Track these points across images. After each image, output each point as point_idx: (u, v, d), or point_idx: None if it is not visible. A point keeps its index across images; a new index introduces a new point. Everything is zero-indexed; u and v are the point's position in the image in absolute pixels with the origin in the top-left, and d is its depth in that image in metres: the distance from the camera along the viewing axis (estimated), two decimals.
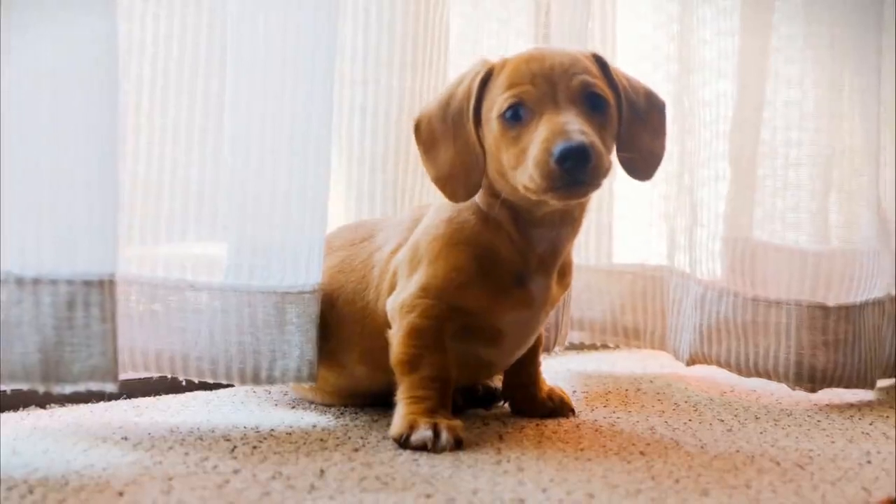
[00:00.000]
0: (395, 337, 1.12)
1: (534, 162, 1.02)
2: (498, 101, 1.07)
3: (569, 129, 1.01)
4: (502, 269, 1.11)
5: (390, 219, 1.28)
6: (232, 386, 1.30)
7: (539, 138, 1.02)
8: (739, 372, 1.44)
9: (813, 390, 1.40)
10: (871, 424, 1.25)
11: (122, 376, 1.26)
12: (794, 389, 1.42)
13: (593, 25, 1.57)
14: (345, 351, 1.19)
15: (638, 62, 1.63)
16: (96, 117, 1.00)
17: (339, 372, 1.20)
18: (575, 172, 1.00)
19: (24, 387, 0.99)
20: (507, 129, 1.06)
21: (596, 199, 1.60)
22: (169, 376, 1.17)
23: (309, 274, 1.16)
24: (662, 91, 1.56)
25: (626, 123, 1.11)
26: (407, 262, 1.14)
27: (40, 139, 0.98)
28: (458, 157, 1.10)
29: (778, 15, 1.46)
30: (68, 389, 0.99)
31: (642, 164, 1.14)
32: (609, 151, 1.07)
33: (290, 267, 1.16)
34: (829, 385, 1.40)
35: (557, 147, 1.00)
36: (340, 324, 1.19)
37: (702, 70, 1.49)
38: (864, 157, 1.48)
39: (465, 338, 1.13)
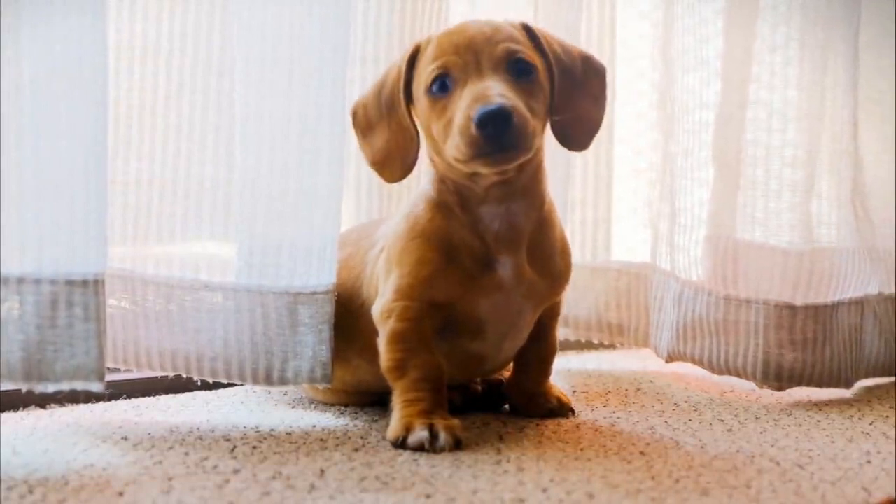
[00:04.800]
0: (381, 344, 1.12)
1: (458, 130, 1.02)
2: (424, 75, 1.08)
3: (489, 94, 1.01)
4: (463, 255, 1.11)
5: (389, 217, 1.28)
6: (234, 385, 1.30)
7: (462, 106, 1.03)
8: (712, 370, 1.44)
9: (780, 389, 1.41)
10: (871, 424, 1.25)
11: (125, 376, 1.27)
12: (761, 388, 1.42)
13: (591, 23, 1.57)
14: (348, 344, 1.19)
15: (635, 60, 1.63)
16: (83, 117, 1.00)
17: (344, 365, 1.20)
18: (497, 137, 1.00)
19: (7, 385, 0.99)
20: (434, 102, 1.07)
21: (591, 195, 1.62)
22: (172, 375, 1.18)
23: (321, 274, 1.16)
24: (658, 90, 1.57)
25: (560, 90, 1.11)
26: (383, 267, 1.15)
27: (25, 139, 0.98)
28: (392, 138, 1.12)
29: (762, 16, 1.46)
30: (51, 388, 0.99)
31: (578, 131, 1.14)
32: (539, 117, 1.07)
33: (302, 267, 1.16)
34: (798, 384, 1.40)
35: (477, 112, 1.00)
36: (344, 318, 1.19)
37: (690, 71, 1.49)
38: (841, 157, 1.48)
39: (449, 333, 1.13)
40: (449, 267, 1.11)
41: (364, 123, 1.15)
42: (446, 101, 1.06)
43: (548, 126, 1.13)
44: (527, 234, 1.13)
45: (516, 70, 1.06)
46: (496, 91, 1.02)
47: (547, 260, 1.16)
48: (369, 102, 1.14)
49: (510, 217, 1.12)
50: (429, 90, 1.07)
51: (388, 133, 1.13)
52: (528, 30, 1.12)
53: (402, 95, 1.11)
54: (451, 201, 1.12)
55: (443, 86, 1.06)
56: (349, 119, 1.16)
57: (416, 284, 1.10)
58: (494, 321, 1.14)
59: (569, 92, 1.12)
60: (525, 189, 1.12)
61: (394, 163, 1.13)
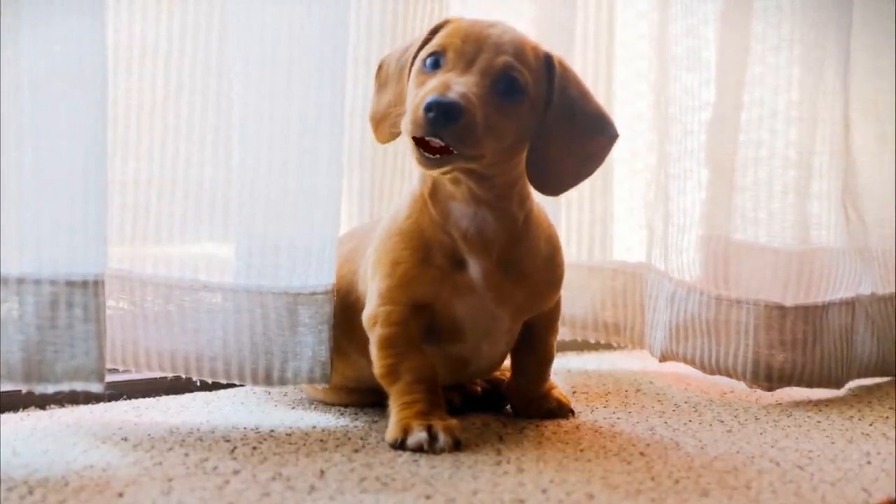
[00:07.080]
0: (372, 351, 1.12)
1: (412, 106, 1.03)
2: (428, 48, 1.08)
3: (452, 86, 1.01)
4: (436, 252, 1.11)
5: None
6: (233, 386, 1.30)
7: (429, 86, 1.03)
8: (703, 369, 1.45)
9: (770, 389, 1.41)
10: (870, 425, 1.25)
11: (125, 377, 1.27)
12: (751, 388, 1.43)
13: (588, 22, 1.56)
14: (348, 340, 1.19)
15: (634, 60, 1.63)
16: (83, 117, 1.00)
17: (344, 360, 1.20)
18: (436, 126, 0.99)
19: (7, 386, 0.99)
20: (420, 73, 1.07)
21: (588, 195, 1.62)
22: (172, 375, 1.18)
23: (321, 274, 1.16)
24: (656, 91, 1.57)
25: (548, 127, 1.09)
26: (370, 269, 1.15)
27: (25, 139, 0.98)
28: (393, 100, 1.13)
29: (757, 17, 1.46)
30: (51, 389, 0.99)
31: (551, 175, 1.11)
32: (499, 137, 1.05)
33: (302, 267, 1.16)
34: (788, 384, 1.41)
35: (430, 97, 1.00)
36: (343, 312, 1.19)
37: (688, 71, 1.48)
38: (833, 158, 1.48)
39: (431, 336, 1.13)
40: (423, 264, 1.11)
41: (383, 78, 1.16)
42: (429, 77, 1.06)
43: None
44: (497, 244, 1.12)
45: (504, 86, 1.05)
46: (459, 89, 1.01)
47: (525, 273, 1.14)
48: (392, 61, 1.16)
49: (479, 222, 1.11)
50: (423, 61, 1.08)
51: (392, 94, 1.13)
52: (547, 60, 1.10)
53: (411, 62, 1.11)
54: (427, 193, 1.12)
55: (435, 62, 1.06)
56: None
57: (395, 286, 1.11)
58: (471, 324, 1.13)
59: (558, 134, 1.09)
60: (493, 203, 1.10)
61: (384, 124, 1.14)
